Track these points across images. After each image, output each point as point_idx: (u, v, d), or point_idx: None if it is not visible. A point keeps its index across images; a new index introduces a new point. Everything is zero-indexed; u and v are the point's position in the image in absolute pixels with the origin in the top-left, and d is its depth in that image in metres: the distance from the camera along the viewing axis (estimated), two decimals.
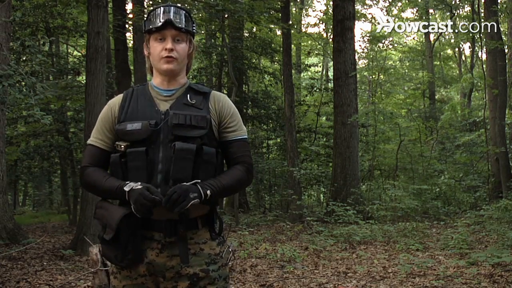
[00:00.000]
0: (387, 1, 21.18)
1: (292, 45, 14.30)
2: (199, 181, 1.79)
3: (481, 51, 15.19)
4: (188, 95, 1.92)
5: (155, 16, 1.89)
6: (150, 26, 1.89)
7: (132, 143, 1.83)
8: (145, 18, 1.94)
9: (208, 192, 1.78)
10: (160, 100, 1.92)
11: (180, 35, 1.89)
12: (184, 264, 1.82)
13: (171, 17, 1.86)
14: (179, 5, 1.95)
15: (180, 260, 1.81)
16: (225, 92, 14.59)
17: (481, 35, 12.92)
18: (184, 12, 1.91)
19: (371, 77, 18.03)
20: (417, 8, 20.04)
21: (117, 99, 1.97)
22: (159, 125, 1.84)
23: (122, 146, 1.84)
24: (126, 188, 1.75)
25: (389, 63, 21.34)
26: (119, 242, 1.78)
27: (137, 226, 1.80)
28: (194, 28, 1.95)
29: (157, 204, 1.71)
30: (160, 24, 1.86)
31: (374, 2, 21.02)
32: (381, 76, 16.75)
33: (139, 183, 1.76)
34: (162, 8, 1.89)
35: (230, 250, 1.98)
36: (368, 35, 19.01)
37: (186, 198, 1.71)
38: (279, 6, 12.06)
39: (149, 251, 1.83)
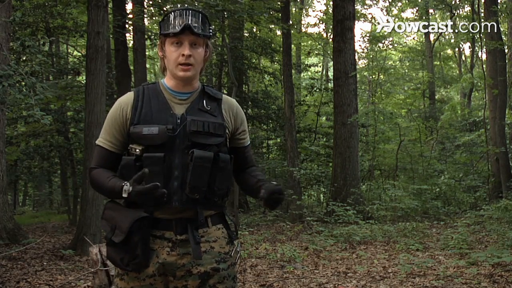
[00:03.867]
0: (387, 1, 21.19)
1: (292, 45, 14.28)
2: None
3: (481, 51, 15.17)
4: (204, 101, 1.91)
5: (172, 19, 1.84)
6: (167, 30, 1.85)
7: (148, 147, 1.80)
8: (161, 20, 1.91)
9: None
10: (175, 104, 1.89)
11: (197, 40, 1.86)
12: (196, 260, 1.81)
13: (189, 22, 1.82)
14: (194, 8, 1.92)
15: (192, 255, 1.80)
16: (225, 92, 14.58)
17: (481, 35, 12.91)
18: (201, 15, 1.86)
19: (371, 77, 17.99)
20: (417, 8, 20.03)
21: (128, 98, 1.91)
22: (176, 130, 1.81)
23: (138, 150, 1.80)
24: (124, 195, 1.71)
25: (389, 63, 21.29)
26: (128, 245, 1.74)
27: (148, 230, 1.77)
28: (211, 30, 1.90)
29: (156, 188, 1.67)
30: (178, 29, 1.82)
31: (374, 2, 21.02)
32: (381, 76, 16.73)
33: (128, 184, 1.70)
34: (179, 12, 1.84)
35: (238, 250, 1.98)
36: (368, 35, 18.99)
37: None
38: (279, 6, 12.05)
39: (160, 250, 1.82)
